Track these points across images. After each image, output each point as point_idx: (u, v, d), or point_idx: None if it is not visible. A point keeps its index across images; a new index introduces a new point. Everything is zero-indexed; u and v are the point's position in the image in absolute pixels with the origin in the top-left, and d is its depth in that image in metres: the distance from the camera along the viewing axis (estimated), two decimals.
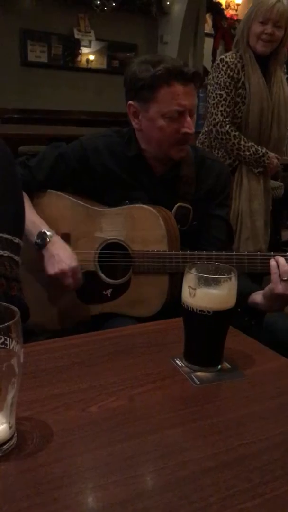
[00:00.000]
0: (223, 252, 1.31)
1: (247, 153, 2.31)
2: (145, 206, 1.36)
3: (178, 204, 1.41)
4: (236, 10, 7.01)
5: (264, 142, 2.36)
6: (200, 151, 1.55)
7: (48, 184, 1.46)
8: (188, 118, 1.34)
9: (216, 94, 2.30)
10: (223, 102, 2.28)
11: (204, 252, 1.31)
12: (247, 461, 0.61)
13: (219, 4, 6.83)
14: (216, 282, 0.81)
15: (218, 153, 2.38)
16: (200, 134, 2.55)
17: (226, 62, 2.29)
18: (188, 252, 1.33)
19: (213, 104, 2.31)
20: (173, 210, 1.41)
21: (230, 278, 0.82)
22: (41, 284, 1.45)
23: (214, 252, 1.31)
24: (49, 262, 1.35)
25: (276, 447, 0.65)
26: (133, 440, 0.64)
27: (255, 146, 2.31)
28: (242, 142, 2.30)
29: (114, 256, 1.38)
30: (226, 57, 2.32)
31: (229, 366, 0.85)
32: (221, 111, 2.29)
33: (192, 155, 1.47)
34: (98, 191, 1.45)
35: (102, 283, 1.40)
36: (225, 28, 6.89)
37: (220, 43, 7.01)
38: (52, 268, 1.34)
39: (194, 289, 0.81)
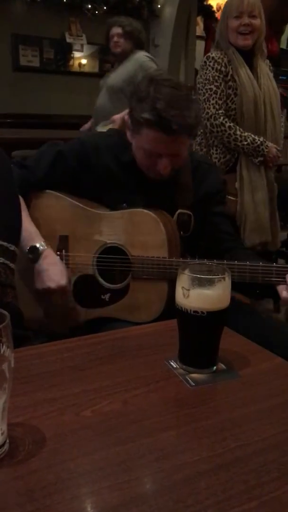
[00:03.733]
0: (225, 262, 1.28)
1: (245, 142, 2.28)
2: (145, 210, 1.35)
3: (179, 211, 1.41)
4: (220, 13, 7.03)
5: (261, 134, 2.35)
6: (196, 156, 1.56)
7: (47, 183, 1.44)
8: (165, 162, 1.32)
9: (206, 89, 2.30)
10: (214, 96, 2.28)
11: (205, 260, 1.27)
12: (243, 463, 0.61)
13: (210, 6, 6.86)
14: (209, 283, 0.80)
15: (216, 151, 2.36)
16: (197, 136, 2.54)
17: (213, 58, 2.32)
18: (188, 260, 1.31)
19: (204, 99, 2.31)
20: (174, 217, 1.41)
21: (224, 278, 0.81)
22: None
23: (215, 261, 1.27)
24: (39, 277, 1.34)
25: (272, 448, 0.64)
26: (127, 444, 0.63)
27: (252, 135, 2.29)
28: (238, 132, 2.28)
29: (113, 260, 1.36)
30: (211, 53, 2.36)
31: (224, 367, 0.84)
32: (212, 104, 2.29)
33: (189, 160, 1.46)
34: (97, 192, 1.43)
35: (100, 287, 1.39)
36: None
37: (212, 46, 7.03)
38: (41, 284, 1.34)
39: (188, 290, 0.80)
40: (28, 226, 1.37)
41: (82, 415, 0.69)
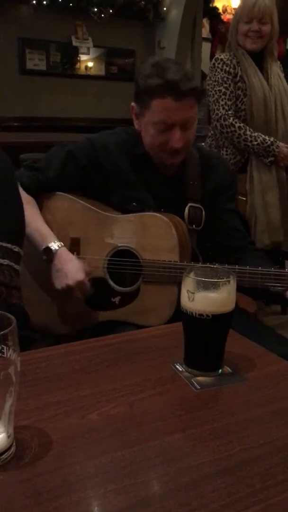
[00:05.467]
0: (236, 267, 1.28)
1: (255, 143, 2.27)
2: (157, 214, 1.35)
3: (189, 204, 1.42)
4: (233, 15, 7.01)
5: (272, 134, 2.33)
6: (205, 151, 1.57)
7: (59, 183, 1.45)
8: (178, 133, 1.33)
9: (215, 90, 2.31)
10: (223, 97, 2.29)
11: (216, 265, 1.27)
12: (249, 467, 0.61)
13: (216, 8, 6.86)
14: (215, 286, 0.80)
15: (226, 151, 2.35)
16: (207, 138, 2.54)
17: (221, 60, 2.32)
18: (199, 264, 1.31)
19: (213, 100, 2.32)
20: (186, 211, 1.42)
21: (229, 282, 0.81)
22: (49, 288, 1.45)
23: (226, 266, 1.27)
24: (56, 277, 1.35)
25: (278, 451, 0.64)
26: (133, 447, 0.64)
27: (262, 135, 2.28)
28: (248, 133, 2.27)
29: (124, 263, 1.37)
30: (220, 55, 2.37)
31: (230, 370, 0.84)
32: (222, 105, 2.29)
33: (197, 155, 1.48)
34: (106, 190, 1.44)
35: (111, 290, 1.39)
36: (222, 32, 6.90)
37: (218, 47, 7.02)
38: (59, 283, 1.35)
39: (193, 293, 0.80)
40: (40, 226, 1.38)
41: (88, 418, 0.70)
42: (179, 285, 1.30)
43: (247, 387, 0.79)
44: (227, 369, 0.84)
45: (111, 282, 1.38)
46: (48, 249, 1.35)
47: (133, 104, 1.41)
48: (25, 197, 1.42)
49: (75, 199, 1.44)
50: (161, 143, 1.36)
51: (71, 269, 1.34)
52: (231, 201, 1.51)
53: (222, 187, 1.48)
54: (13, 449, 0.62)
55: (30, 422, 0.68)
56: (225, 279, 0.81)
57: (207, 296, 0.80)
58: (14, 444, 0.62)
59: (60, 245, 1.37)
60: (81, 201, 1.43)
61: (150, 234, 1.35)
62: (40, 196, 1.45)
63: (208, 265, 1.28)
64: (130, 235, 1.37)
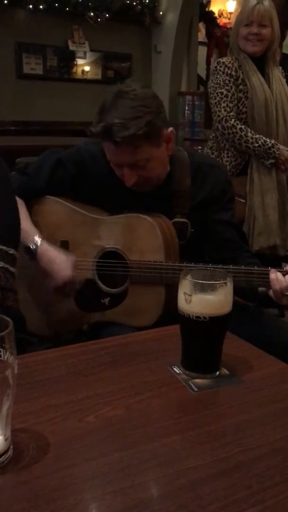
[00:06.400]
0: (220, 266, 1.26)
1: (256, 144, 2.28)
2: (142, 215, 1.35)
3: (174, 220, 1.39)
4: (229, 19, 7.06)
5: (273, 137, 2.34)
6: (197, 158, 1.49)
7: (48, 191, 1.45)
8: (126, 172, 1.30)
9: (217, 93, 2.33)
10: (224, 99, 2.30)
11: (201, 265, 1.27)
12: (246, 468, 0.61)
13: (212, 12, 6.90)
14: (211, 288, 0.81)
15: (227, 154, 2.36)
16: (208, 140, 2.55)
17: (223, 63, 2.34)
18: (184, 264, 1.30)
19: (215, 103, 2.34)
20: None
21: (226, 283, 0.81)
22: (39, 290, 1.45)
23: (210, 265, 1.28)
24: (47, 279, 1.36)
25: (275, 453, 0.64)
26: (130, 449, 0.64)
27: (263, 137, 2.29)
28: (250, 134, 2.28)
29: (112, 265, 1.37)
30: (222, 58, 2.39)
31: (227, 372, 0.84)
32: (224, 107, 2.30)
33: (189, 163, 1.43)
34: (98, 199, 1.44)
35: (100, 291, 1.39)
36: (218, 36, 6.96)
37: (214, 51, 7.07)
38: (49, 285, 1.36)
39: (190, 295, 0.80)
40: (24, 227, 1.37)
41: (86, 421, 0.69)
42: (166, 285, 1.31)
43: (244, 389, 0.80)
44: (225, 371, 0.84)
45: (100, 284, 1.39)
46: (28, 249, 1.35)
47: None
48: None
49: (63, 202, 1.44)
50: (119, 175, 1.34)
51: (55, 270, 1.34)
52: (223, 211, 1.44)
53: (213, 198, 1.42)
54: (10, 452, 0.61)
55: (27, 425, 0.68)
56: (222, 281, 0.82)
57: (204, 298, 0.80)
58: (12, 447, 0.62)
59: (37, 244, 1.35)
60: (69, 204, 1.43)
61: (136, 235, 1.35)
62: (30, 199, 1.45)
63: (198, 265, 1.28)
64: (117, 237, 1.37)
